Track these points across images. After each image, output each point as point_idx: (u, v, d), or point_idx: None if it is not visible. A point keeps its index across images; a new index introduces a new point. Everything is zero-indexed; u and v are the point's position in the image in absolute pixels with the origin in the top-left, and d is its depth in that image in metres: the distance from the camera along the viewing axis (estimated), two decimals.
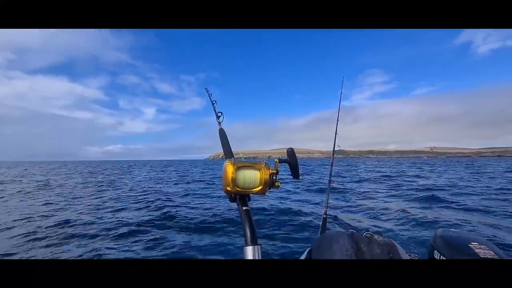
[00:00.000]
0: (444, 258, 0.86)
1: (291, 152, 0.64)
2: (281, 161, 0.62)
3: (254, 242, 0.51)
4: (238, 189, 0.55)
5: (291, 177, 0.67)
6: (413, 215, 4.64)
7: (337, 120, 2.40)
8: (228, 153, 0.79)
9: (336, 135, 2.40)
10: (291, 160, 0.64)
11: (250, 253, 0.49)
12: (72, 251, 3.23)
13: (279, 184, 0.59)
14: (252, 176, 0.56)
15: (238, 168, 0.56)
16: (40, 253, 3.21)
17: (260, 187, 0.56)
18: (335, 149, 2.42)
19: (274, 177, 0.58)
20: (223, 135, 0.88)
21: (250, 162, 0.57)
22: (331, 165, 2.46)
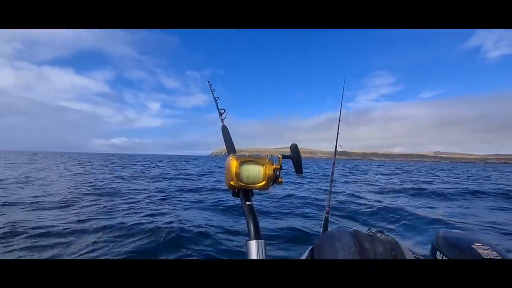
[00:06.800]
0: (446, 259, 0.85)
1: (294, 148, 0.64)
2: (284, 157, 0.62)
3: (257, 237, 0.50)
4: (241, 184, 0.55)
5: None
6: (417, 214, 4.59)
7: (339, 120, 2.43)
8: (231, 149, 0.79)
9: (338, 135, 2.42)
10: (295, 156, 0.64)
11: (254, 247, 0.48)
12: None
13: (282, 180, 0.58)
14: (256, 171, 0.55)
15: (242, 163, 0.55)
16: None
17: (263, 182, 0.55)
18: (337, 149, 2.44)
19: (278, 173, 0.57)
20: (226, 131, 0.88)
21: (253, 157, 0.57)
22: (333, 164, 2.47)
